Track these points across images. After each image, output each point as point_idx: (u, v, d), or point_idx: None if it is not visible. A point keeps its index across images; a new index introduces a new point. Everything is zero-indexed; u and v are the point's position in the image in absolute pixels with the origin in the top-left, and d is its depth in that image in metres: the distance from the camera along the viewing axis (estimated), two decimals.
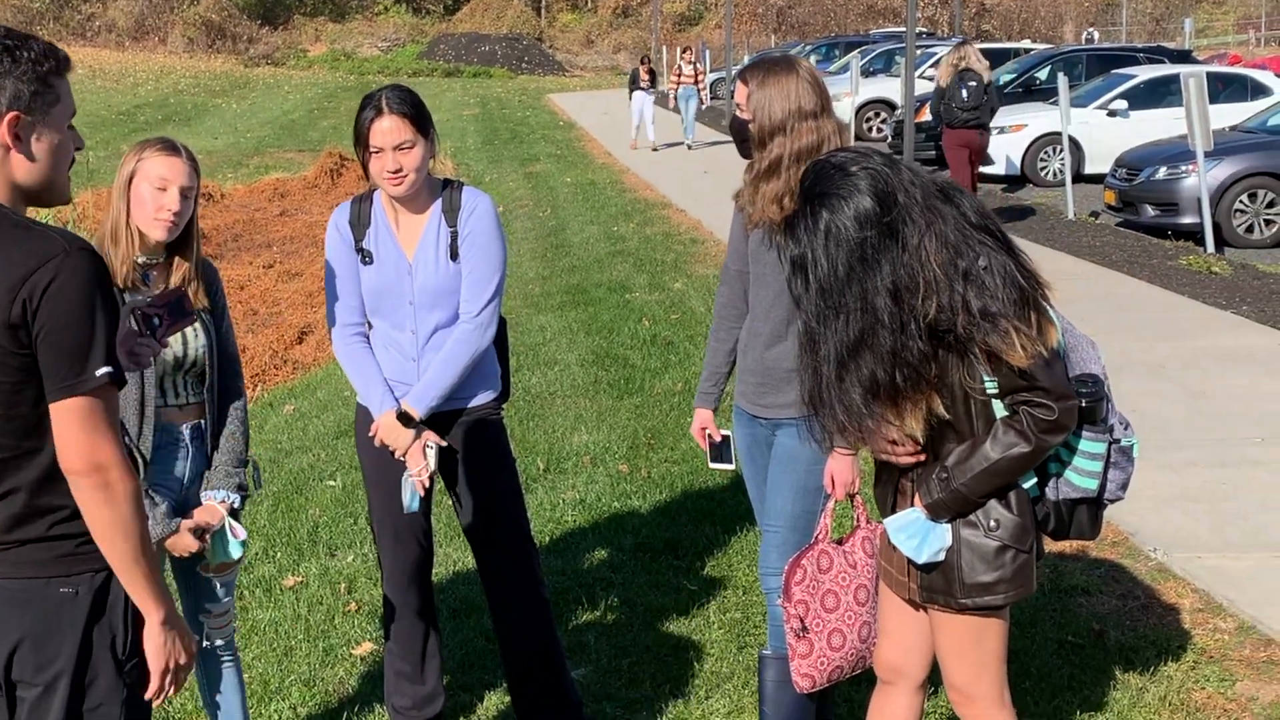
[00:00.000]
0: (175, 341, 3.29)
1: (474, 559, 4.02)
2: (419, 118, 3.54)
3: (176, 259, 3.35)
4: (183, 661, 2.43)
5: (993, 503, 2.79)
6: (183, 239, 3.33)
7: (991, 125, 13.71)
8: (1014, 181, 17.79)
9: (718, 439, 3.92)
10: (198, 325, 3.34)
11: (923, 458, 2.84)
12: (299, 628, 4.81)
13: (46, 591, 2.29)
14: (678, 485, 6.19)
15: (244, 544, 3.47)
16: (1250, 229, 13.17)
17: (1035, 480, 2.85)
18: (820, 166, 2.72)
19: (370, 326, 3.77)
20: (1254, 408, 7.05)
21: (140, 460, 3.26)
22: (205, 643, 3.59)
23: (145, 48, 54.19)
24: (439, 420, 3.69)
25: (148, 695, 2.42)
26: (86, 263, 2.21)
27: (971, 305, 2.62)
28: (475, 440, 3.78)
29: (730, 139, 3.66)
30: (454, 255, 3.63)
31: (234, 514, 3.43)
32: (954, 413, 2.76)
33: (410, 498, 3.60)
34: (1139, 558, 5.13)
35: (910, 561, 2.87)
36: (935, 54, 25.41)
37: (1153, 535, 5.33)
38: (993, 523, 2.79)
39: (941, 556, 2.82)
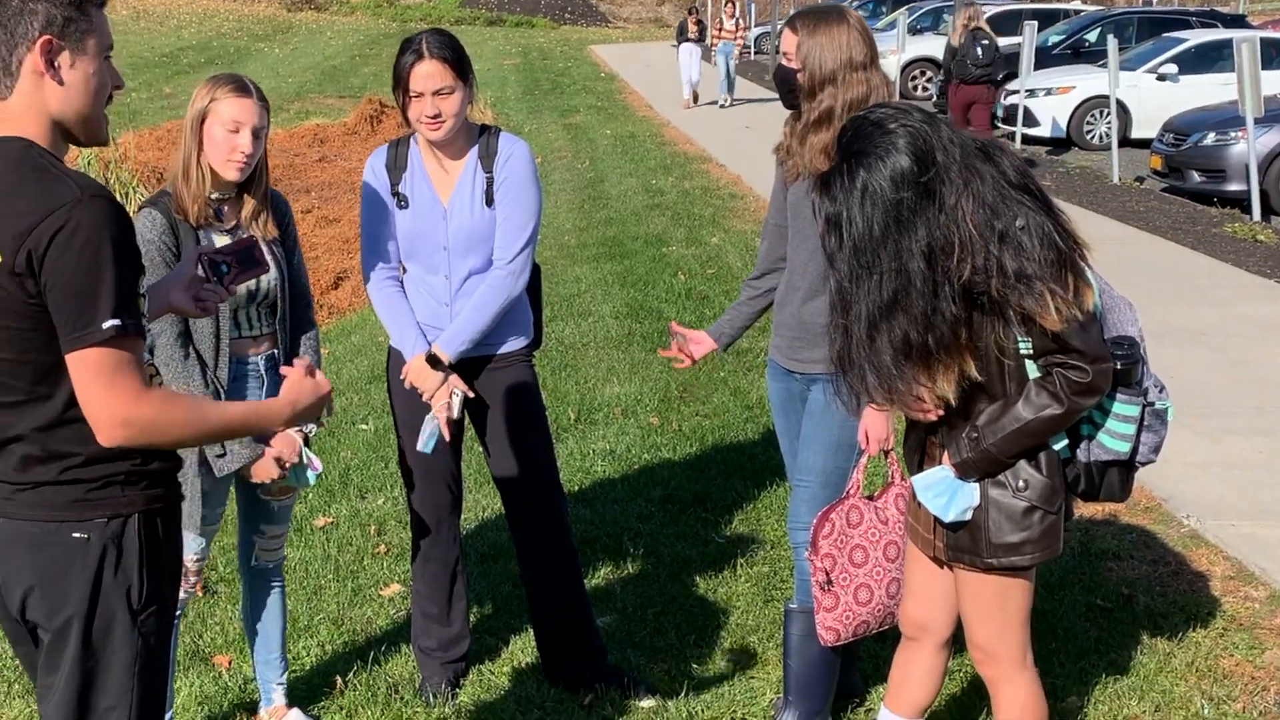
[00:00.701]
0: None
1: (503, 506, 4.04)
2: (459, 63, 3.52)
3: (246, 195, 3.39)
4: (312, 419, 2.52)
5: (1022, 463, 2.77)
6: (253, 174, 3.38)
7: (1015, 85, 15.50)
8: (1059, 144, 17.56)
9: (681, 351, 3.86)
10: (269, 258, 3.38)
11: (936, 415, 2.82)
12: (328, 568, 4.86)
13: (59, 535, 2.28)
14: (708, 439, 6.19)
15: (319, 475, 3.57)
16: None
17: (1066, 442, 2.83)
18: (859, 123, 2.68)
19: (405, 271, 3.77)
20: None
21: (219, 391, 3.34)
22: (254, 563, 3.67)
23: None
24: (470, 365, 3.70)
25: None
26: (100, 210, 2.16)
27: (1007, 267, 2.59)
28: (507, 388, 3.78)
29: (774, 93, 3.60)
30: (489, 201, 3.62)
31: (306, 440, 3.52)
32: (986, 374, 2.73)
33: (426, 440, 3.61)
34: (1171, 524, 5.09)
35: (937, 520, 2.86)
36: (986, 12, 25.04)
37: (1186, 502, 5.28)
38: (1021, 483, 2.78)
39: (969, 516, 2.81)
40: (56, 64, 2.25)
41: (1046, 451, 2.79)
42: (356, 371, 7.43)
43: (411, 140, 3.70)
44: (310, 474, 3.53)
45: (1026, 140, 17.42)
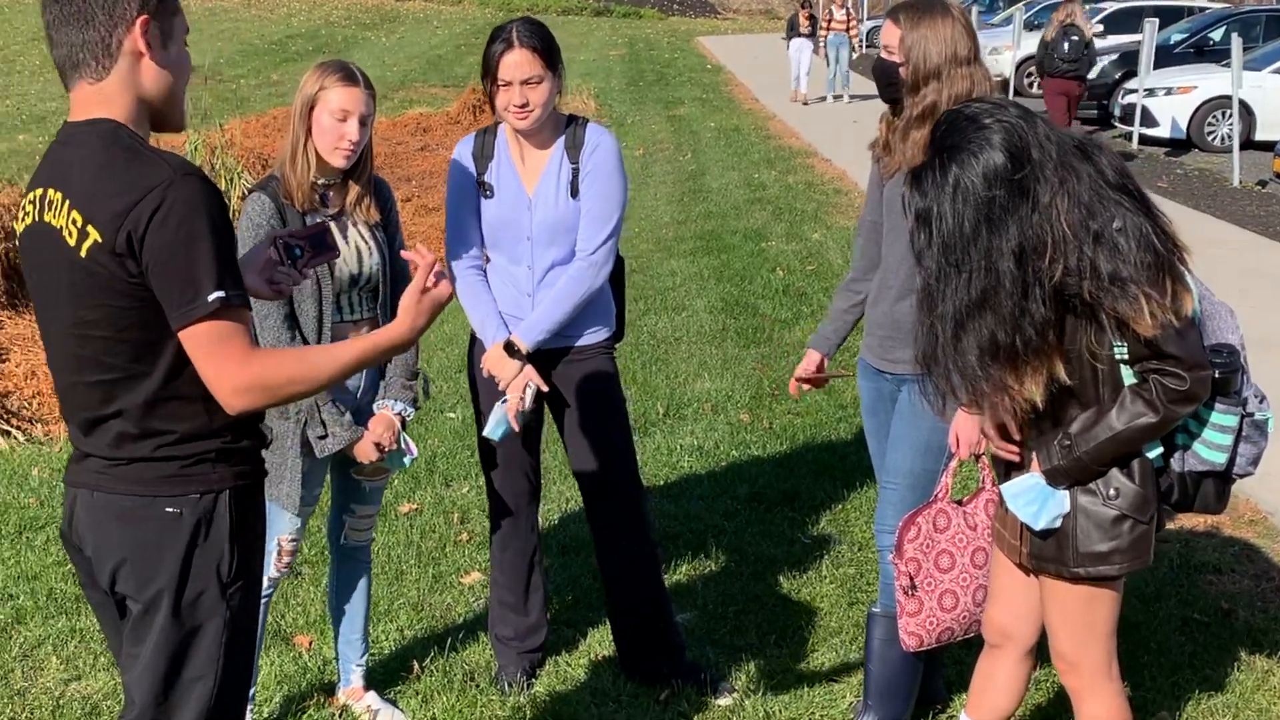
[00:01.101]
0: (350, 258, 3.41)
1: (581, 499, 4.02)
2: (548, 52, 3.49)
3: (350, 181, 3.43)
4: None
5: (1114, 471, 2.69)
6: (358, 160, 3.41)
7: (1089, 78, 15.45)
8: (1178, 145, 17.03)
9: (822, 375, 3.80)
10: (370, 242, 3.45)
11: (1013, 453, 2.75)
12: (411, 553, 4.89)
13: (151, 510, 2.31)
14: (799, 437, 6.11)
15: (414, 459, 3.64)
16: None
17: (1160, 450, 2.73)
18: (953, 117, 2.61)
19: (488, 260, 3.76)
20: None
21: None
22: (343, 542, 3.72)
23: None
24: (550, 355, 3.68)
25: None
26: (194, 188, 2.19)
27: (1101, 269, 2.50)
28: (586, 380, 3.76)
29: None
30: (574, 192, 3.60)
31: (404, 424, 3.57)
32: (1079, 378, 2.65)
33: (494, 427, 3.61)
34: (1277, 538, 4.90)
35: (1025, 526, 2.78)
36: (1104, 9, 24.46)
37: None
38: (1112, 491, 2.69)
39: (1058, 523, 2.73)
40: (152, 44, 2.28)
41: (1140, 459, 2.70)
42: (447, 360, 7.47)
43: (499, 129, 3.69)
44: (407, 458, 3.59)
45: (1144, 140, 16.95)
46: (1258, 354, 7.37)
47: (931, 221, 2.57)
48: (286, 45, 33.11)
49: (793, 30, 22.33)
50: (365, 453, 3.48)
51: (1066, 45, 14.34)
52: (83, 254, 2.19)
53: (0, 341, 7.06)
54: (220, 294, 2.18)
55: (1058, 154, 2.55)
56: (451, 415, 6.49)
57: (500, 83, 3.48)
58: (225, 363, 2.20)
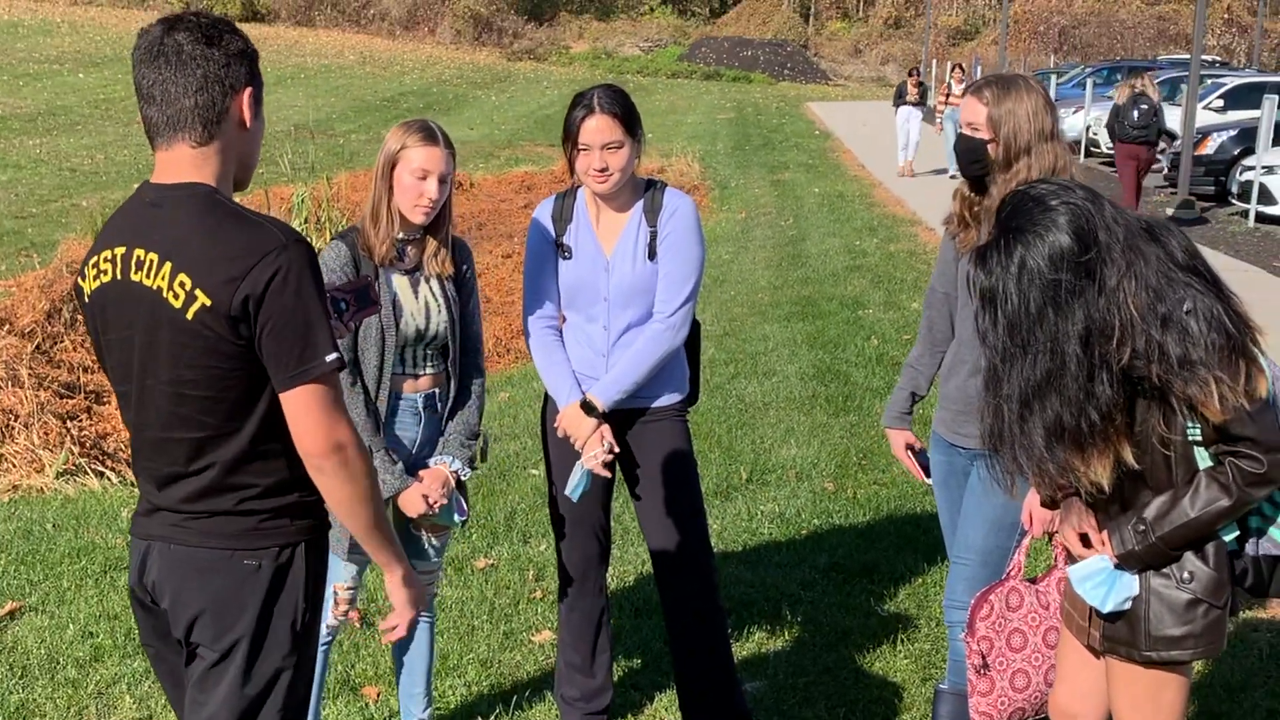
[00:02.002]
0: (419, 314, 3.47)
1: (650, 563, 4.00)
2: (628, 118, 3.54)
3: (429, 236, 3.50)
4: (421, 610, 2.60)
5: (1188, 554, 2.63)
6: (437, 216, 3.48)
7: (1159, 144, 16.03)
8: None
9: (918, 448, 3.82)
10: (440, 300, 3.50)
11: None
12: (484, 609, 4.90)
13: (231, 563, 2.37)
14: (883, 509, 6.02)
15: (464, 520, 3.64)
16: None
17: (1236, 533, 2.65)
18: (1019, 198, 2.59)
19: (564, 320, 3.79)
20: None
21: (378, 422, 3.45)
22: None
23: (415, 37, 56.58)
24: (623, 417, 3.69)
25: (393, 636, 2.60)
26: (305, 254, 2.28)
27: (1170, 352, 2.45)
28: (658, 444, 3.75)
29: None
30: (652, 255, 3.62)
31: (460, 484, 3.57)
32: (1150, 460, 2.59)
33: (574, 487, 3.61)
34: None
35: (1094, 609, 2.71)
36: (1224, 84, 24.02)
37: None
38: (1186, 575, 2.63)
39: (1128, 606, 2.68)
40: (251, 113, 2.38)
41: (1215, 543, 2.64)
42: (533, 416, 7.51)
43: (578, 192, 3.74)
44: (457, 516, 3.58)
45: (1261, 219, 16.54)
46: None
47: (997, 301, 2.54)
48: (398, 102, 33.96)
49: (901, 99, 21.71)
50: (411, 504, 3.48)
51: (1136, 113, 15.22)
52: (189, 316, 2.25)
53: (100, 384, 7.28)
54: (336, 355, 2.29)
55: (1125, 236, 2.51)
56: (534, 472, 6.52)
57: (581, 147, 3.53)
58: (335, 421, 2.30)
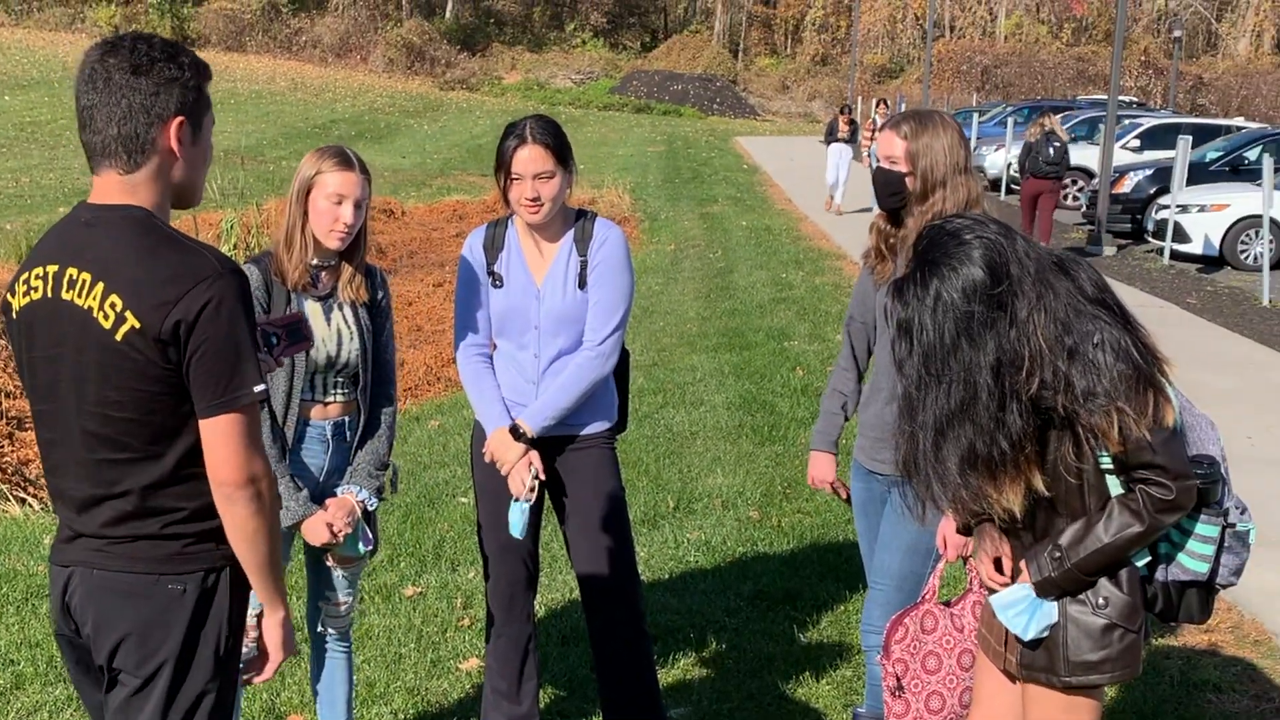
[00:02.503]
0: (330, 340, 3.45)
1: (578, 589, 4.04)
2: (560, 148, 3.60)
3: (345, 263, 3.50)
4: (289, 654, 2.58)
5: (1103, 580, 2.71)
6: (352, 244, 3.48)
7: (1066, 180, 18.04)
8: (1211, 263, 17.04)
9: (843, 493, 3.89)
10: (353, 327, 3.48)
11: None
12: (411, 637, 4.90)
13: (155, 588, 2.37)
14: (807, 537, 6.11)
15: (371, 551, 3.61)
16: None
17: (1148, 559, 2.75)
18: (935, 232, 2.68)
19: (494, 347, 3.84)
20: None
21: (284, 448, 3.43)
22: (320, 628, 3.71)
23: (347, 65, 56.38)
24: (551, 443, 3.74)
25: (260, 679, 2.58)
26: (239, 284, 2.29)
27: (1075, 383, 2.55)
28: (587, 471, 3.80)
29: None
30: (582, 284, 3.68)
31: (367, 514, 3.55)
32: (1063, 488, 2.67)
33: (515, 524, 3.64)
34: None
35: (1014, 636, 2.79)
36: (1141, 124, 24.66)
37: None
38: (1101, 600, 2.72)
39: (1047, 633, 2.75)
40: (183, 141, 2.37)
41: (1129, 569, 2.73)
42: (463, 444, 7.52)
43: (510, 221, 3.79)
44: (362, 545, 3.54)
45: (1176, 256, 16.98)
46: (1275, 474, 7.35)
47: (913, 332, 2.62)
48: (329, 129, 33.80)
49: (832, 136, 21.46)
50: (314, 533, 3.44)
51: (1050, 149, 16.29)
52: (118, 337, 2.25)
53: (22, 410, 7.18)
54: (263, 387, 2.31)
55: (1035, 270, 2.60)
56: (464, 500, 6.53)
57: (513, 176, 3.58)
58: (252, 453, 2.31)
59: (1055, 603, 2.74)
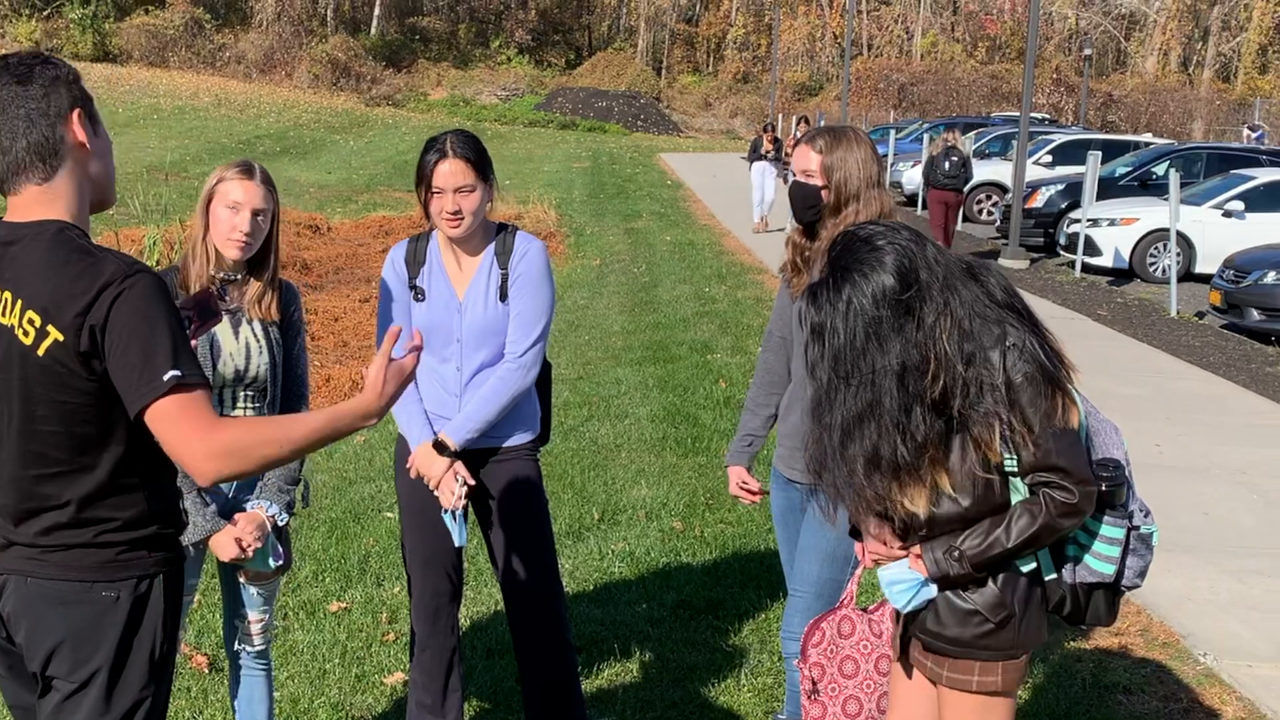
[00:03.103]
0: (238, 354, 3.44)
1: (502, 600, 4.07)
2: (480, 163, 3.64)
3: (253, 278, 3.50)
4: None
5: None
6: (259, 258, 3.48)
7: (967, 190, 18.84)
8: (1122, 275, 17.50)
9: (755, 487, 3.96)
10: (263, 341, 3.47)
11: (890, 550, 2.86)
12: (336, 652, 4.90)
13: (89, 595, 2.37)
14: (729, 546, 6.19)
15: (283, 566, 3.59)
16: None
17: (1034, 565, 2.83)
18: (848, 238, 2.75)
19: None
20: None
21: None
22: (237, 646, 3.70)
23: (272, 81, 55.89)
24: (475, 456, 3.77)
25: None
26: (145, 282, 2.28)
27: (970, 389, 2.63)
28: (510, 482, 3.84)
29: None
30: (503, 296, 3.72)
31: (278, 529, 3.54)
32: (968, 491, 2.74)
33: (458, 534, 3.66)
34: (1188, 660, 5.00)
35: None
36: (1052, 140, 25.21)
37: (1205, 639, 5.19)
38: (970, 586, 2.80)
39: (924, 607, 2.86)
40: (87, 132, 2.39)
41: (1007, 569, 2.80)
42: (389, 459, 7.52)
43: (432, 236, 3.83)
44: (273, 560, 3.53)
45: (1087, 269, 17.40)
46: (1182, 481, 7.59)
47: (825, 335, 2.69)
48: (254, 145, 33.45)
49: (755, 154, 21.28)
50: (223, 548, 3.41)
51: (948, 163, 17.40)
52: (40, 353, 2.26)
53: None
54: (176, 373, 2.25)
55: (944, 276, 2.68)
56: (389, 515, 6.52)
57: (434, 190, 3.62)
58: (192, 433, 2.24)
59: (935, 586, 2.84)
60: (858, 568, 3.48)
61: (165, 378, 2.24)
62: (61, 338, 2.25)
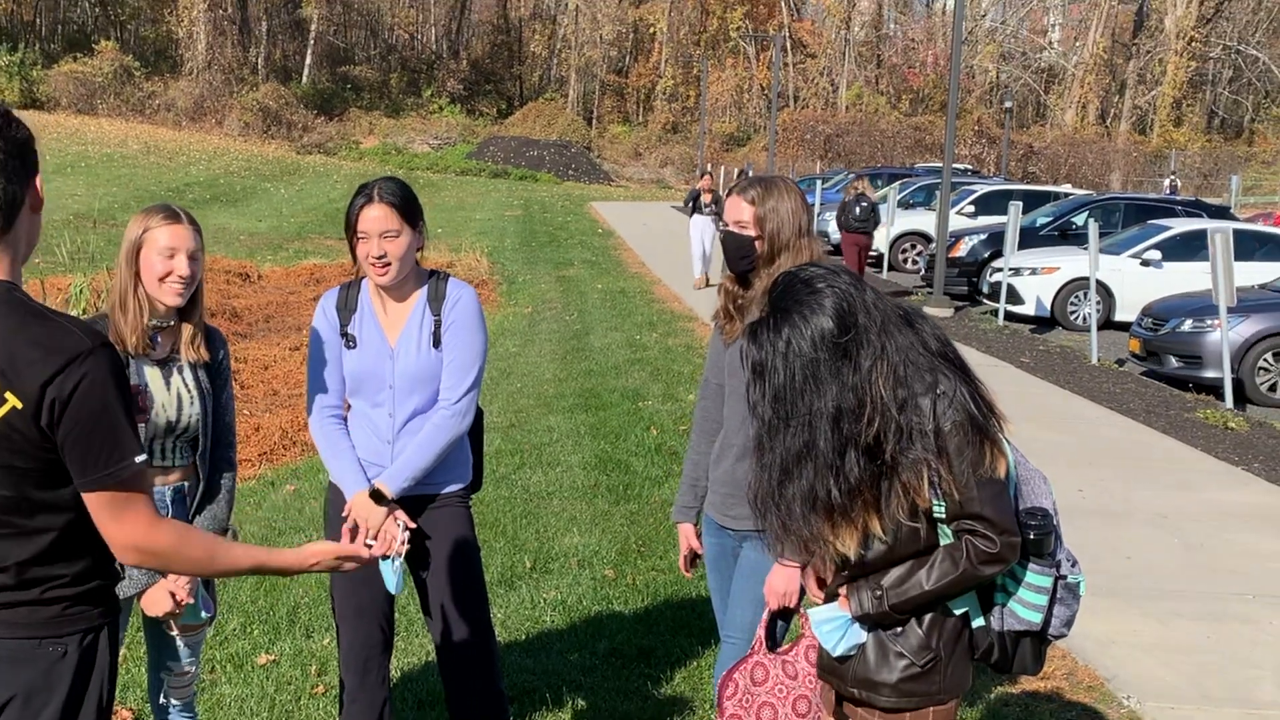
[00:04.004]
0: (170, 405, 3.41)
1: (433, 648, 4.05)
2: (407, 208, 3.66)
3: (182, 322, 3.48)
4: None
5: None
6: (190, 300, 3.46)
7: (876, 234, 20.88)
8: (1044, 323, 17.84)
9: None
10: (194, 391, 3.44)
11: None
12: (264, 706, 4.82)
13: (37, 651, 2.36)
14: (660, 594, 6.19)
15: (210, 617, 3.56)
16: (1273, 388, 13.10)
17: (965, 609, 2.87)
18: (790, 279, 2.78)
19: (348, 408, 3.86)
20: (1250, 565, 6.99)
21: None
22: (162, 700, 3.64)
23: (202, 129, 55.56)
24: (409, 503, 3.76)
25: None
26: (110, 359, 2.28)
27: (902, 434, 2.66)
28: (443, 529, 3.83)
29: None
30: (436, 343, 3.73)
31: (207, 580, 3.49)
32: (898, 534, 2.78)
33: (394, 582, 3.64)
34: (1112, 704, 5.07)
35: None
36: (975, 191, 25.71)
37: (1129, 683, 5.27)
38: (898, 629, 2.84)
39: (854, 652, 2.88)
40: (38, 196, 2.39)
41: (934, 612, 2.83)
42: (319, 509, 7.44)
43: (363, 283, 3.83)
44: (204, 613, 3.51)
45: (1010, 317, 17.70)
46: (1104, 526, 7.72)
47: (765, 374, 2.72)
48: (183, 193, 33.16)
49: (694, 205, 20.18)
50: (155, 603, 3.38)
51: (858, 209, 19.28)
52: None
53: None
54: (144, 457, 2.31)
55: (881, 321, 2.72)
56: None
57: (360, 235, 3.63)
58: (133, 524, 2.31)
59: (868, 628, 2.86)
60: (764, 609, 3.52)
61: (137, 460, 2.29)
62: (20, 405, 2.23)
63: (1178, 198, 25.05)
